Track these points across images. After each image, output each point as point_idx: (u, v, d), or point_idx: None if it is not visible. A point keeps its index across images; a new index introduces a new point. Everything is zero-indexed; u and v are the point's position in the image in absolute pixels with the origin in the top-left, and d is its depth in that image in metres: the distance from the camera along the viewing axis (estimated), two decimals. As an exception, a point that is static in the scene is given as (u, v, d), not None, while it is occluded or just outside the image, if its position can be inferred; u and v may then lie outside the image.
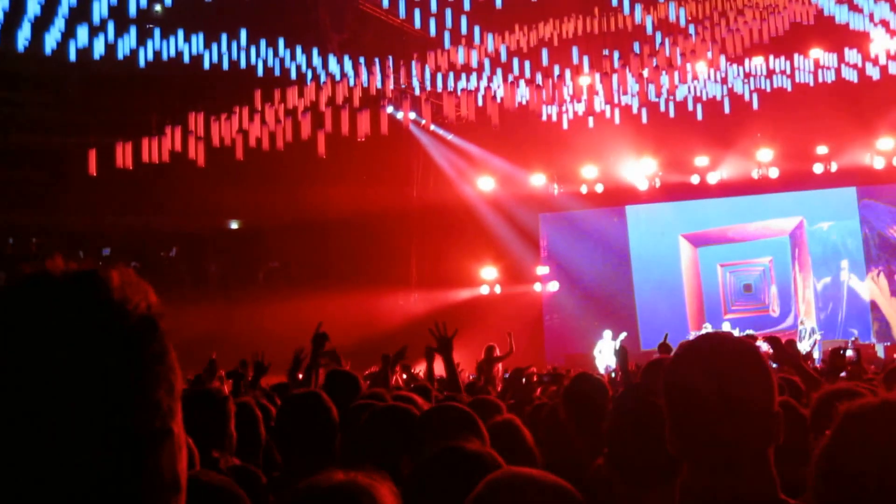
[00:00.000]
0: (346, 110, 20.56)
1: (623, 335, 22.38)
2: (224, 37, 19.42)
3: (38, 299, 1.24)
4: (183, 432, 1.34)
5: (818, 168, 25.06)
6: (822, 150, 24.82)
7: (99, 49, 17.84)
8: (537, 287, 27.97)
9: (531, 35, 20.56)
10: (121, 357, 1.24)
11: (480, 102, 22.00)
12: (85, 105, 24.86)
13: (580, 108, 23.07)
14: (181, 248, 27.39)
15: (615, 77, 20.94)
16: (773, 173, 25.52)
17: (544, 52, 20.44)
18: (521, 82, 21.63)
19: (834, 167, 24.92)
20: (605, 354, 22.99)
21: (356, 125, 20.24)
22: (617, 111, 22.89)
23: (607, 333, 24.24)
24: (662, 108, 22.66)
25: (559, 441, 4.80)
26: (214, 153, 20.38)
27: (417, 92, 23.29)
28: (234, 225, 27.15)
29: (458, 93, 21.80)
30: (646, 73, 21.05)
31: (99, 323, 1.24)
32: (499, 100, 21.83)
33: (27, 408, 1.18)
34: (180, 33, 19.22)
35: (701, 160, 25.84)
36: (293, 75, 20.20)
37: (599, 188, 27.05)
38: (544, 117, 23.29)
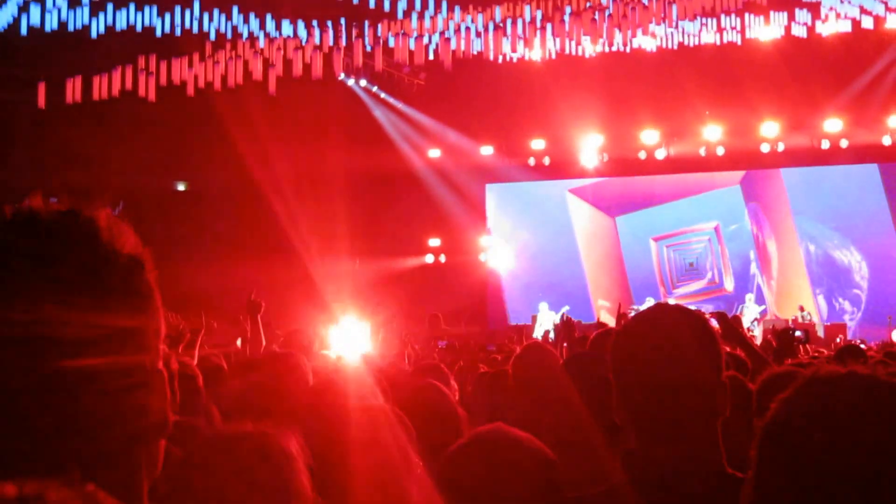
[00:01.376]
0: (295, 71, 20.47)
1: (565, 308, 22.46)
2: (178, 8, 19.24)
3: (28, 237, 1.24)
4: (167, 377, 1.36)
5: (765, 147, 25.11)
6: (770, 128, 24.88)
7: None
8: (482, 258, 27.97)
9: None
10: (114, 294, 1.26)
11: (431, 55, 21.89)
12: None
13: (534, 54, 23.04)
14: (126, 208, 26.98)
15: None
16: (720, 151, 25.57)
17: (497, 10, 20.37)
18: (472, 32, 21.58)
19: (781, 147, 24.99)
20: (543, 326, 23.05)
21: (307, 87, 20.18)
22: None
23: (543, 305, 24.39)
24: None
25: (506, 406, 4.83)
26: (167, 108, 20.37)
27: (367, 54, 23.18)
28: (181, 187, 26.86)
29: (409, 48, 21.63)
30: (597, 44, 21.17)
31: (90, 261, 1.26)
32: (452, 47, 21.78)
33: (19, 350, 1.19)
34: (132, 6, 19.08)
35: (649, 135, 25.82)
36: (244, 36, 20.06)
37: (546, 161, 27.05)
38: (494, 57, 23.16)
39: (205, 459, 2.16)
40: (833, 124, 24.33)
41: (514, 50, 22.44)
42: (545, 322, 23.18)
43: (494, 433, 2.57)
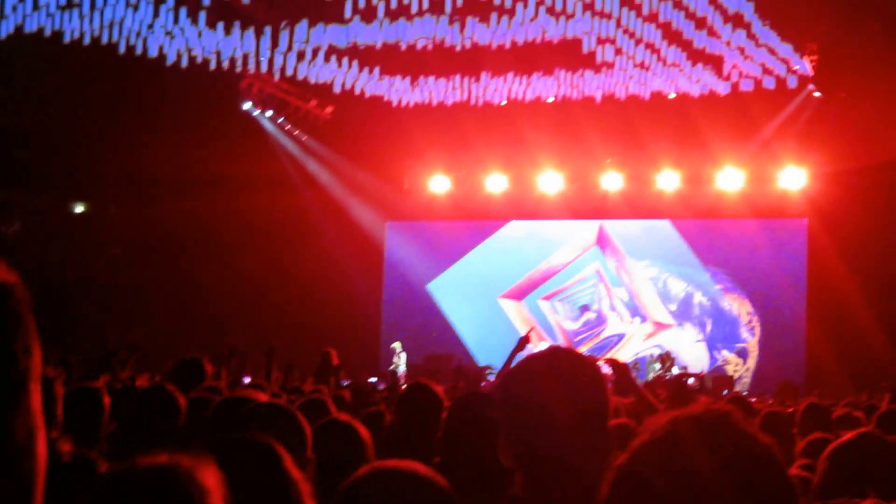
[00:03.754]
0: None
1: (396, 344, 23.94)
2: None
3: None
4: (40, 410, 1.39)
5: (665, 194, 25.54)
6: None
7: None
8: (382, 295, 27.88)
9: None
10: None
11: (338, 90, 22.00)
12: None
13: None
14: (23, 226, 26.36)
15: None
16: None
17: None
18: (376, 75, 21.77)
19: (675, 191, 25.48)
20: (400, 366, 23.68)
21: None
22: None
23: (397, 344, 24.63)
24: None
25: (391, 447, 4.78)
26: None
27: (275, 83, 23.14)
28: (80, 208, 26.33)
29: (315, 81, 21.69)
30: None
31: None
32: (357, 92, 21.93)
33: None
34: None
35: (551, 179, 26.13)
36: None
37: (448, 200, 27.15)
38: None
39: (114, 496, 2.07)
40: (730, 176, 24.87)
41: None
42: (399, 362, 23.75)
43: (393, 468, 2.47)
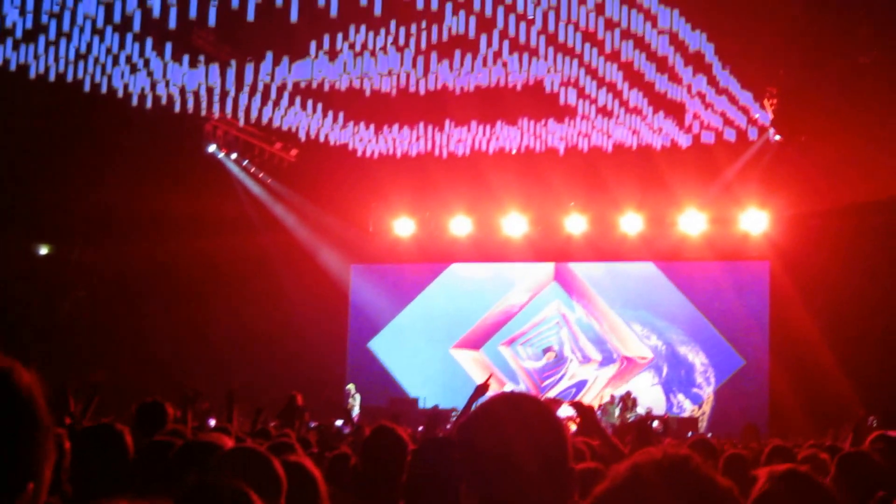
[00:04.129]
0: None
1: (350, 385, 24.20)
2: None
3: None
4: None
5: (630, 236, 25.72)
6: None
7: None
8: (347, 337, 27.82)
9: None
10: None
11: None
12: None
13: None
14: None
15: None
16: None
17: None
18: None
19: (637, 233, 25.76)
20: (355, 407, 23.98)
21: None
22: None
23: (351, 386, 24.74)
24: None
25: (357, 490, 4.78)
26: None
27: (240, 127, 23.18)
28: (44, 250, 26.12)
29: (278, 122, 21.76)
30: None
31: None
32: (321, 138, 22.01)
33: None
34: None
35: (515, 221, 26.30)
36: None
37: (413, 242, 27.24)
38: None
39: None
40: (693, 219, 25.11)
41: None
42: (355, 405, 24.08)
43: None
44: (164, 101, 20.18)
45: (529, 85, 19.99)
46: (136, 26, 17.36)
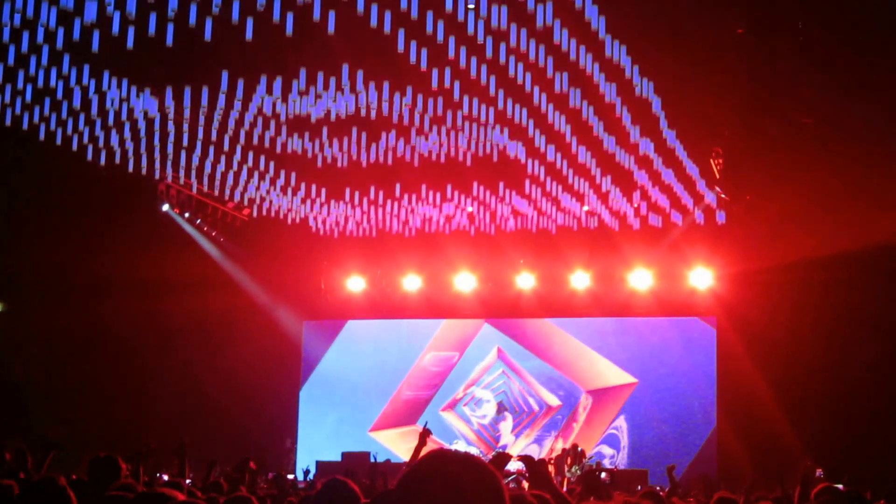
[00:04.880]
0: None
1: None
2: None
3: None
4: None
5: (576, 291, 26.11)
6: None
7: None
8: (299, 392, 27.80)
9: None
10: None
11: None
12: None
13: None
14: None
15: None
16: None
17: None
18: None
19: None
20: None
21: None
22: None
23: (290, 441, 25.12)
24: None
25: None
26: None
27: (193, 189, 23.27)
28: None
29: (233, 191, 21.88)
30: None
31: None
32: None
33: None
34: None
35: (465, 279, 26.61)
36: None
37: (364, 299, 27.43)
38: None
39: None
40: (641, 276, 25.50)
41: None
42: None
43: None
44: (117, 158, 20.05)
45: (479, 157, 20.27)
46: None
